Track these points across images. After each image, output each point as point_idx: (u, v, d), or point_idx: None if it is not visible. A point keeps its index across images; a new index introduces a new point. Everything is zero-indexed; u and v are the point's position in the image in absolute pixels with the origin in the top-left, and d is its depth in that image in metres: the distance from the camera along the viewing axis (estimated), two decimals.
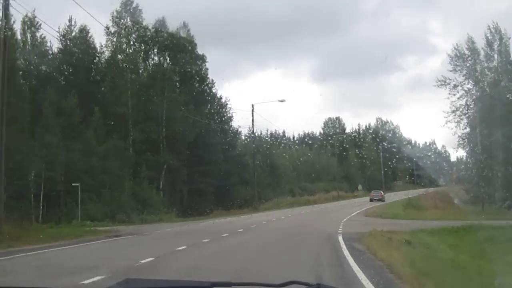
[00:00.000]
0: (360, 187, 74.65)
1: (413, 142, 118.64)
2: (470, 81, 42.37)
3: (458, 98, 42.95)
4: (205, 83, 42.66)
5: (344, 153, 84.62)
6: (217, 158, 41.69)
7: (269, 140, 69.49)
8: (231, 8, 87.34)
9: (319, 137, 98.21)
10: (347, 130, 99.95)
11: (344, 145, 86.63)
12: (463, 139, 41.68)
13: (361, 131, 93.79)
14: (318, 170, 74.39)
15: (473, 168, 38.64)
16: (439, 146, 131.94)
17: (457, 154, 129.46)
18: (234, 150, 47.19)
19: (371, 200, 56.28)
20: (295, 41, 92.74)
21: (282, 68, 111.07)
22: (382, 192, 64.04)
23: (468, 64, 42.58)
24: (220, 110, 44.54)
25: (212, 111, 42.60)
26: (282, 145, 78.36)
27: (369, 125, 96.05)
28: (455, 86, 42.45)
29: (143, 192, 34.28)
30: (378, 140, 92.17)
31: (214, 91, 44.03)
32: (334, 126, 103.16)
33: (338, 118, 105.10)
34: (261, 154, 54.20)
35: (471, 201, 39.43)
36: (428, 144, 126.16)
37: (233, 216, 34.96)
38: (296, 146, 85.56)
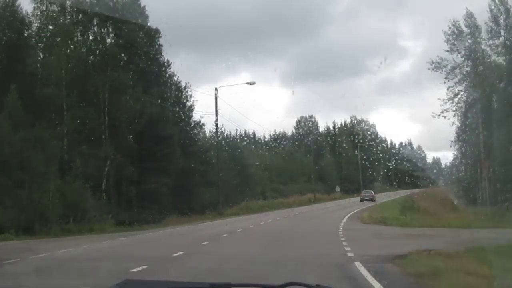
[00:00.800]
0: (338, 188, 68.41)
1: (389, 142, 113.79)
2: (470, 63, 37.07)
3: (456, 83, 37.59)
4: (158, 63, 35.35)
5: (320, 153, 78.51)
6: (173, 152, 34.42)
7: (237, 138, 63.02)
8: (202, 13, 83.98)
9: (292, 136, 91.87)
10: (321, 129, 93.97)
11: (319, 143, 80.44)
12: (464, 131, 35.96)
13: (337, 129, 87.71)
14: (292, 170, 67.97)
15: (471, 168, 34.87)
16: (415, 147, 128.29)
17: (434, 155, 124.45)
18: (196, 144, 40.02)
19: (361, 200, 55.24)
20: (265, 44, 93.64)
21: (253, 72, 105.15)
22: (372, 192, 62.84)
23: (467, 43, 37.19)
24: (178, 95, 37.28)
25: (167, 95, 35.17)
26: (253, 146, 71.88)
27: (344, 122, 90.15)
28: (453, 68, 36.99)
29: (74, 194, 26.76)
30: (354, 137, 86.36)
31: (170, 73, 36.80)
32: (307, 125, 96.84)
33: (311, 117, 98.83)
34: (227, 152, 47.47)
35: (466, 202, 35.37)
36: (404, 144, 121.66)
37: (190, 223, 27.88)
38: (267, 147, 78.96)
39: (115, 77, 31.03)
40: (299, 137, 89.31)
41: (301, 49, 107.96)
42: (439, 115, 35.22)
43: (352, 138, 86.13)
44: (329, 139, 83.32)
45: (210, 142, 49.03)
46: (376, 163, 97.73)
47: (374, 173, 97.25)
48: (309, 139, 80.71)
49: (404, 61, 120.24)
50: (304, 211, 38.23)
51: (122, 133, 32.05)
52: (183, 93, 37.58)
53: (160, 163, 32.76)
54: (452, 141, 36.38)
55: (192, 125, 39.43)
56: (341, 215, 28.62)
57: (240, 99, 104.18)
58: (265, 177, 57.46)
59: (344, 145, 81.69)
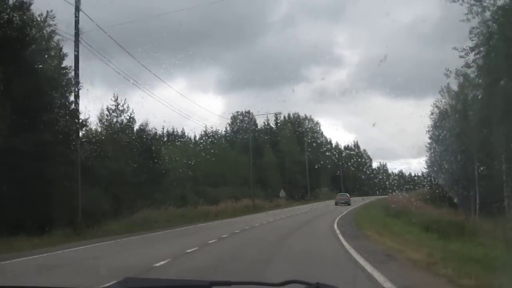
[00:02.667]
0: (282, 193, 54.85)
1: (333, 143, 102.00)
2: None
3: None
4: None
5: (260, 151, 64.81)
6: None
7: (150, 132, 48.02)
8: (138, 17, 76.99)
9: (226, 135, 77.52)
10: (259, 126, 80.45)
11: (258, 140, 66.78)
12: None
13: (279, 123, 74.35)
14: (225, 171, 53.81)
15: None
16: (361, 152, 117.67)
17: (378, 162, 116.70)
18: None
19: (336, 203, 53.35)
20: (202, 50, 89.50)
21: (189, 78, 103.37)
22: (348, 195, 60.44)
23: None
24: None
25: None
26: (179, 143, 57.41)
27: (288, 116, 76.85)
28: None
29: None
30: (299, 135, 73.54)
31: None
32: (243, 121, 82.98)
33: (248, 112, 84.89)
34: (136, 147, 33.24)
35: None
36: (350, 146, 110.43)
37: None
38: (192, 145, 64.41)
39: None
40: (234, 134, 75.27)
41: (239, 56, 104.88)
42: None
43: (297, 135, 73.35)
44: (270, 136, 70.11)
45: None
46: (322, 165, 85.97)
47: (320, 178, 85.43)
48: (246, 136, 67.35)
49: (341, 69, 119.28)
50: (247, 226, 24.01)
51: None
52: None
53: None
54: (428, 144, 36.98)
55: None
56: (319, 233, 16.28)
57: (175, 105, 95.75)
58: (187, 177, 42.87)
59: (288, 142, 68.62)
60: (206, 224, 26.63)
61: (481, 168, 31.24)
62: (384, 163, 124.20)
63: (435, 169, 40.94)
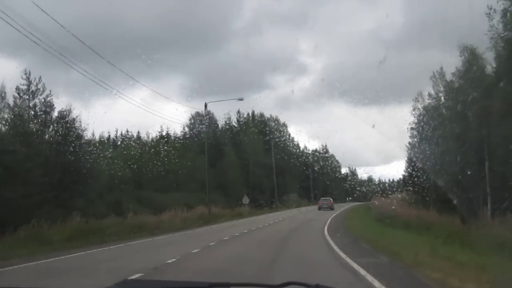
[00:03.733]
0: (246, 199, 46.33)
1: (301, 146, 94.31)
2: None
3: None
4: None
5: (220, 150, 56.25)
6: None
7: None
8: (100, 23, 74.70)
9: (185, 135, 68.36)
10: (221, 126, 71.53)
11: (218, 138, 58.19)
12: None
13: (242, 120, 65.60)
14: (178, 175, 45.02)
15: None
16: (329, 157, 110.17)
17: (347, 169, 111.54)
18: None
19: (319, 208, 52.85)
20: (165, 58, 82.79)
21: (152, 84, 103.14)
22: (331, 200, 58.90)
23: None
24: None
25: None
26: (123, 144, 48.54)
27: (252, 114, 68.10)
28: None
29: None
30: (265, 134, 65.36)
31: None
32: (202, 121, 73.97)
33: (208, 112, 75.92)
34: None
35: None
36: (319, 150, 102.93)
37: None
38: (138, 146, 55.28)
39: None
40: (192, 135, 66.29)
41: (202, 63, 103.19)
42: None
43: (262, 135, 65.08)
44: (231, 135, 61.64)
45: None
46: (290, 169, 78.05)
47: (288, 183, 77.44)
48: (202, 135, 58.78)
49: (305, 77, 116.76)
50: (169, 264, 14.72)
51: None
52: None
53: None
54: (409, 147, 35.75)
55: None
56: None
57: (137, 113, 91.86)
58: (126, 181, 33.92)
59: (252, 142, 60.34)
60: (117, 247, 17.61)
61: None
62: (354, 168, 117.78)
63: (423, 171, 36.03)
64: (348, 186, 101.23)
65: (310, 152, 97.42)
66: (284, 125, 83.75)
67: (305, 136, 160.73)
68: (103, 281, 7.49)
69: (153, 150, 45.02)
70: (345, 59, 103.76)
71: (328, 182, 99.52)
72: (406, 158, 42.82)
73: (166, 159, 41.64)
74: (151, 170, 39.50)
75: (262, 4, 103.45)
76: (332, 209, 51.26)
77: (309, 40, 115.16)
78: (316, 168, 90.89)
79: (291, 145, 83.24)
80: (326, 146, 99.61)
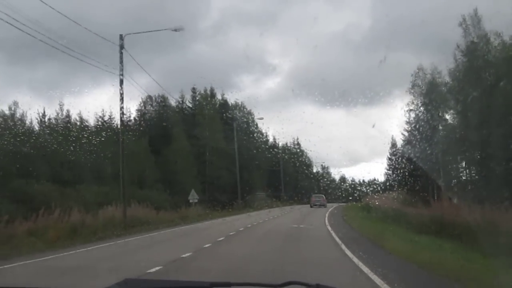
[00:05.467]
0: (194, 196, 33.31)
1: (270, 139, 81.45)
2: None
3: None
4: None
5: (169, 137, 43.08)
6: None
7: None
8: (67, 23, 54.36)
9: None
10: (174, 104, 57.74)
11: (168, 121, 44.94)
12: None
13: (197, 99, 51.81)
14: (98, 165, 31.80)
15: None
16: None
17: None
18: None
19: (311, 206, 52.07)
20: (131, 57, 66.00)
21: (117, 86, 78.97)
22: (324, 197, 56.94)
23: None
24: None
25: None
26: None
27: (211, 92, 54.16)
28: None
29: None
30: (227, 117, 52.36)
31: None
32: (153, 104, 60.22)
33: (163, 96, 61.86)
34: None
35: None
36: (289, 144, 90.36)
37: None
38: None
39: None
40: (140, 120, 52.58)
41: (169, 63, 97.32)
42: None
43: (223, 120, 51.94)
44: (183, 115, 48.52)
45: None
46: (258, 162, 65.37)
47: (254, 179, 64.76)
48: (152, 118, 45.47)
49: (272, 78, 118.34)
50: None
51: None
52: None
53: None
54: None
55: None
56: None
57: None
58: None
59: (209, 124, 47.31)
60: None
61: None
62: (327, 166, 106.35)
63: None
64: (322, 186, 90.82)
65: (280, 146, 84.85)
66: (250, 113, 70.86)
67: (271, 138, 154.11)
68: None
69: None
70: (313, 60, 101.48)
71: (301, 181, 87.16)
72: (388, 158, 44.54)
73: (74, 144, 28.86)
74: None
75: (230, 4, 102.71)
76: (325, 206, 49.00)
77: (277, 40, 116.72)
78: (287, 163, 78.69)
79: (258, 136, 70.63)
80: (297, 139, 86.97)
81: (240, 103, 65.28)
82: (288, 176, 79.11)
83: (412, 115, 45.36)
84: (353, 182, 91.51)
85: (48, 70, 77.12)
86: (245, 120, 65.78)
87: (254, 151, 63.12)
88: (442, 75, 44.20)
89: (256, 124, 72.52)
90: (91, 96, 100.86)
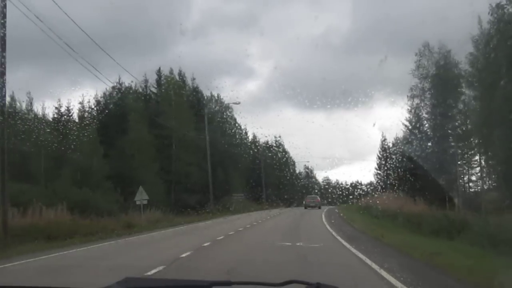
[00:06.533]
0: (143, 196, 25.43)
1: (249, 134, 73.76)
2: None
3: None
4: None
5: (124, 125, 35.26)
6: None
7: None
8: (47, 25, 47.18)
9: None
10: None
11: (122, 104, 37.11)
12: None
13: (163, 82, 43.48)
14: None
15: None
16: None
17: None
18: None
19: (305, 207, 50.63)
20: (111, 60, 62.69)
21: (98, 87, 79.91)
22: (318, 198, 55.59)
23: None
24: None
25: None
26: None
27: (179, 73, 45.94)
28: None
29: None
30: (198, 106, 44.55)
31: None
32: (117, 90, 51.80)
33: (121, 83, 53.33)
34: None
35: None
36: (271, 143, 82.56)
37: None
38: None
39: None
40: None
41: (149, 65, 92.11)
42: None
43: (194, 110, 44.00)
44: (146, 102, 40.64)
45: None
46: (235, 159, 57.80)
47: (231, 179, 57.12)
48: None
49: (252, 80, 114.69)
50: None
51: None
52: None
53: None
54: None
55: None
56: None
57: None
58: None
59: (176, 111, 39.47)
60: None
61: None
62: (311, 167, 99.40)
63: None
64: (306, 186, 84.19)
65: (261, 143, 77.18)
66: (228, 107, 63.07)
67: (251, 136, 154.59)
68: None
69: None
70: (293, 63, 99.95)
71: (284, 182, 79.40)
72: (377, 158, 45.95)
73: None
74: None
75: (211, 6, 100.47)
76: (319, 208, 47.90)
77: (257, 43, 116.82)
78: (269, 162, 71.38)
79: (236, 132, 63.08)
80: (279, 137, 79.15)
81: (216, 96, 57.76)
82: (270, 177, 71.55)
83: (416, 101, 38.96)
84: (339, 184, 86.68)
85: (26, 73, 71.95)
86: (218, 108, 58.31)
87: (232, 148, 55.72)
88: (452, 54, 38.93)
89: (235, 120, 64.91)
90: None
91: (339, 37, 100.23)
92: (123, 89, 38.90)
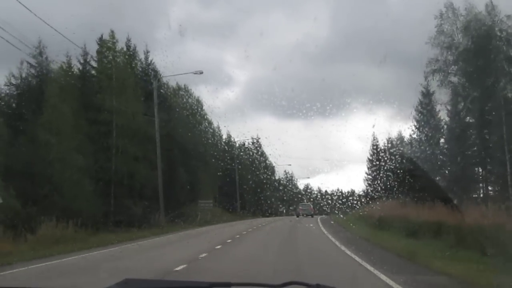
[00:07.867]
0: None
1: (224, 136, 63.81)
2: None
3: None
4: None
5: (38, 103, 25.21)
6: None
7: None
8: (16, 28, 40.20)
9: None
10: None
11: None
12: None
13: (105, 49, 33.14)
14: None
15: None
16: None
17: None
18: None
19: (297, 215, 49.64)
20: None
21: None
22: (312, 205, 53.27)
23: None
24: None
25: None
26: None
27: (130, 49, 35.77)
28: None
29: None
30: (161, 95, 34.48)
31: None
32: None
33: (42, 57, 42.57)
34: None
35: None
36: (248, 144, 72.55)
37: None
38: None
39: None
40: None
41: None
42: None
43: (148, 87, 33.96)
44: (80, 76, 30.64)
45: None
46: (204, 158, 47.92)
47: (199, 182, 47.22)
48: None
49: (229, 88, 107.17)
50: None
51: None
52: None
53: None
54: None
55: None
56: None
57: None
58: None
59: (119, 89, 29.50)
60: None
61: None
62: (291, 172, 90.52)
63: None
64: (285, 195, 74.87)
65: (237, 146, 67.40)
66: (199, 102, 53.06)
67: (225, 135, 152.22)
68: None
69: None
70: (271, 71, 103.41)
71: (264, 188, 69.46)
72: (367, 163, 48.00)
73: None
74: None
75: (189, 13, 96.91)
76: (312, 216, 46.06)
77: (235, 51, 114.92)
78: (245, 166, 61.85)
79: (205, 126, 53.25)
80: (258, 138, 69.14)
81: (183, 86, 47.98)
82: (247, 181, 61.58)
83: (437, 77, 30.11)
84: (322, 192, 79.90)
85: None
86: (187, 104, 48.63)
87: (200, 146, 46.03)
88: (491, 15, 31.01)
89: (205, 116, 54.84)
90: None
91: (316, 45, 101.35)
92: (47, 60, 28.68)
